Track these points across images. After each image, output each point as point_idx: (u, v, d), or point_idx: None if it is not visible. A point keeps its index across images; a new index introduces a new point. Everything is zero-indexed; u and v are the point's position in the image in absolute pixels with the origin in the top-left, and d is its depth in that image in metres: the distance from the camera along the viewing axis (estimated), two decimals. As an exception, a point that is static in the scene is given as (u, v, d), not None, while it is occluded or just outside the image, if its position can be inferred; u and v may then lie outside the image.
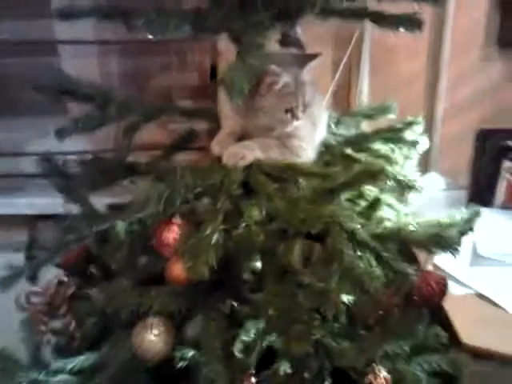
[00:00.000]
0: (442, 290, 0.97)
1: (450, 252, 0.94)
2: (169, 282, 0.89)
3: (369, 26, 1.49)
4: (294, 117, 0.95)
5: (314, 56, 0.97)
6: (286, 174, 0.96)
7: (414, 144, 1.16)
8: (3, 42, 1.61)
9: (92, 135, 1.13)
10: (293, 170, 0.96)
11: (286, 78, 0.92)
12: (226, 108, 0.99)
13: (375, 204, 1.07)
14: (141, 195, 0.93)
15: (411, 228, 1.01)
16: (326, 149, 1.11)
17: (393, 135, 1.15)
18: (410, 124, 1.16)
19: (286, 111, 0.94)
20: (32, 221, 1.45)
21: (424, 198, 1.20)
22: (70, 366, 1.10)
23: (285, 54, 0.98)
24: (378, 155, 1.12)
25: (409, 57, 1.58)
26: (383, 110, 1.21)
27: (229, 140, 0.98)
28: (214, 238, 0.83)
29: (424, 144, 1.18)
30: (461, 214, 1.11)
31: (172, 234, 0.88)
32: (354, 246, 0.92)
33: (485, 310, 1.17)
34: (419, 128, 1.17)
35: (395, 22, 0.93)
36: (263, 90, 0.92)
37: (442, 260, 1.25)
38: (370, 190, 1.08)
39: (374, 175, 0.96)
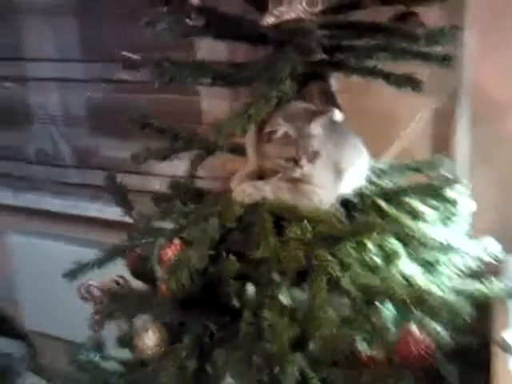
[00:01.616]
0: (424, 355, 0.93)
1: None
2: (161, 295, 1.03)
3: (467, 77, 1.43)
4: (297, 165, 1.01)
5: (324, 112, 1.03)
6: (287, 214, 1.02)
7: (454, 204, 1.12)
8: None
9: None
10: (293, 212, 1.02)
11: (286, 129, 1.00)
12: (249, 148, 1.10)
13: (391, 257, 1.07)
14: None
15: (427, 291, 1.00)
16: (359, 198, 1.14)
17: (431, 192, 1.12)
18: (451, 183, 1.12)
19: (287, 160, 1.01)
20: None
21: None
22: (118, 355, 1.31)
23: (296, 108, 1.04)
24: (408, 210, 1.11)
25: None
26: (432, 164, 1.18)
27: (247, 177, 1.08)
28: (194, 260, 0.95)
29: (468, 206, 1.13)
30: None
31: (168, 253, 1.02)
32: (333, 291, 0.96)
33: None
34: (462, 189, 1.12)
35: (396, 81, 0.96)
36: (265, 138, 1.02)
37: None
38: (391, 243, 1.09)
39: (371, 229, 0.98)
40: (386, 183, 1.16)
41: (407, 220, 1.09)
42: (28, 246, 2.13)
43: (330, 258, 0.98)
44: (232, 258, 0.97)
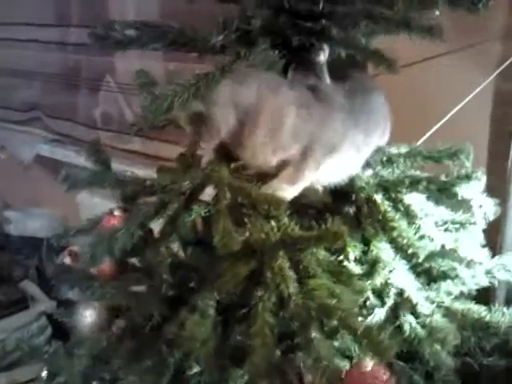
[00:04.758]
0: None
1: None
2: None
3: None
4: None
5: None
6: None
7: (466, 205, 0.89)
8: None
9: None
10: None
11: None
12: None
13: (375, 265, 0.89)
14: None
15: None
16: (352, 189, 0.95)
17: (437, 187, 0.90)
18: (464, 178, 0.88)
19: None
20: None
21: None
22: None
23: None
24: (405, 208, 0.90)
25: None
26: (452, 153, 0.94)
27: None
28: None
29: (485, 206, 0.89)
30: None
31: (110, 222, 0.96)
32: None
33: None
34: (477, 185, 0.88)
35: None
36: None
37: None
38: (379, 248, 0.90)
39: (332, 238, 0.79)
40: (388, 173, 0.95)
41: (402, 220, 0.89)
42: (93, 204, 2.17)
43: (287, 272, 0.81)
44: (163, 248, 0.86)
